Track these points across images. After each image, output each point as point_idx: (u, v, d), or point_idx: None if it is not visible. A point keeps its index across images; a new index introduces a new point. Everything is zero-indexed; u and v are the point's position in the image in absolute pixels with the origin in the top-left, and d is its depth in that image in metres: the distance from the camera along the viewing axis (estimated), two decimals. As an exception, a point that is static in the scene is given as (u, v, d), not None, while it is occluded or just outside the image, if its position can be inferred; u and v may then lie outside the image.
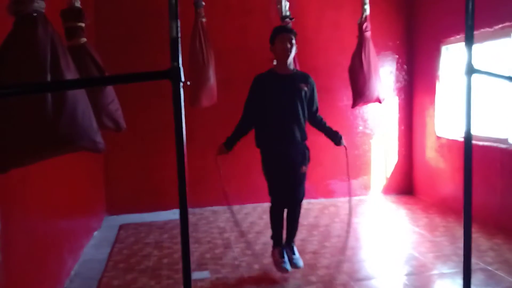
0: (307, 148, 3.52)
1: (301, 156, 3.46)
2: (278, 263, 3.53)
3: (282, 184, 3.46)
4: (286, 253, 3.56)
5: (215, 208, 5.65)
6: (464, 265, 1.31)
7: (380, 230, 4.77)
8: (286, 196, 3.49)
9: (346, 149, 3.60)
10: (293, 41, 3.34)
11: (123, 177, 5.46)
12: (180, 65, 1.17)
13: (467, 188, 1.27)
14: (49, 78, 1.82)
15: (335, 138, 3.57)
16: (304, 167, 3.47)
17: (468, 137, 1.30)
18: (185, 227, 1.23)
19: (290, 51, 3.33)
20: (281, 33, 3.35)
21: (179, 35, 1.19)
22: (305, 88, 3.42)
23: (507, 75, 1.57)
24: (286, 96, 3.38)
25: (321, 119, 3.61)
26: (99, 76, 2.62)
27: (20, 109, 1.79)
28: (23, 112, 1.80)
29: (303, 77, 3.46)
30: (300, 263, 3.56)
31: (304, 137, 3.47)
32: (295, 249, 3.62)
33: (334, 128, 3.61)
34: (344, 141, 3.57)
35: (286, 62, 3.37)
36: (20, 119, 1.80)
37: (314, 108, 3.55)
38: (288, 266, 3.50)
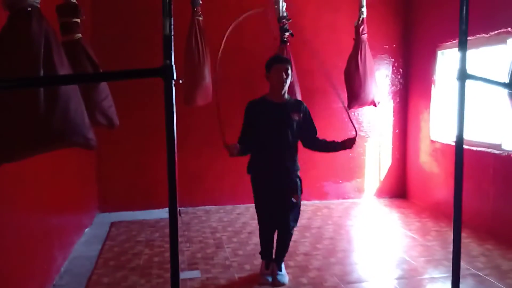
0: (299, 178, 3.47)
1: (291, 185, 3.41)
2: (262, 273, 3.57)
3: (267, 213, 3.46)
4: (272, 268, 3.54)
5: (208, 207, 5.64)
6: (453, 270, 1.31)
7: (372, 233, 4.78)
8: (273, 224, 3.49)
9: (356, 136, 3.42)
10: (289, 71, 3.31)
11: (115, 175, 5.44)
12: (173, 63, 1.17)
13: (458, 191, 1.28)
14: (42, 73, 1.81)
15: (346, 144, 3.38)
16: (295, 196, 3.42)
17: (460, 141, 1.30)
18: (174, 226, 1.22)
19: (286, 82, 3.31)
20: (277, 64, 3.32)
21: (172, 32, 1.18)
22: (297, 118, 3.37)
23: (500, 81, 1.58)
24: (276, 125, 3.36)
25: (323, 140, 3.47)
26: (91, 72, 2.60)
27: (12, 104, 1.77)
28: (15, 107, 1.78)
29: (295, 105, 3.43)
30: (284, 279, 3.49)
31: (294, 166, 3.43)
32: (283, 266, 3.58)
33: (329, 131, 3.60)
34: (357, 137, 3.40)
35: (281, 92, 3.35)
36: (12, 114, 1.79)
37: (312, 132, 3.48)
38: (270, 278, 3.50)
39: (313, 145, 3.52)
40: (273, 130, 3.36)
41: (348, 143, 3.38)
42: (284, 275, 3.53)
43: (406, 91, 6.13)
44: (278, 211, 3.43)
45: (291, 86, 3.91)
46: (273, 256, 3.59)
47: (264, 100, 3.44)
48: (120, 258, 3.99)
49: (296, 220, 3.50)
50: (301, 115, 3.42)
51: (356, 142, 3.40)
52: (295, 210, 3.47)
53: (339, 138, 3.52)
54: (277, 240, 3.56)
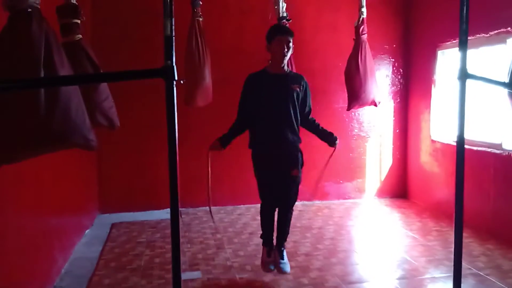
0: (300, 151, 3.45)
1: (292, 158, 3.39)
2: (264, 262, 3.53)
3: (270, 186, 3.42)
4: (274, 256, 3.52)
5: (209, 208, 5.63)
6: (454, 269, 1.31)
7: (373, 234, 4.77)
8: (275, 199, 3.45)
9: (334, 150, 3.57)
10: (291, 44, 3.30)
11: (116, 176, 5.44)
12: (174, 64, 1.17)
13: (459, 191, 1.28)
14: (42, 74, 1.81)
15: (330, 139, 3.52)
16: (295, 170, 3.39)
17: (461, 141, 1.30)
18: (176, 226, 1.22)
19: (287, 54, 3.30)
20: (280, 35, 3.29)
21: (173, 33, 1.19)
22: (297, 89, 3.36)
23: (500, 80, 1.58)
24: (277, 96, 3.34)
25: (314, 121, 3.55)
26: (92, 73, 2.60)
27: (13, 105, 1.77)
28: (16, 108, 1.78)
29: (296, 78, 3.42)
30: (287, 268, 3.48)
31: (296, 139, 3.40)
32: (284, 253, 3.55)
33: (329, 131, 3.57)
34: (338, 141, 3.52)
35: (281, 64, 3.34)
36: (13, 115, 1.79)
37: (307, 110, 3.49)
38: (272, 267, 3.49)
39: (304, 122, 3.49)
40: (274, 101, 3.33)
41: (333, 142, 3.51)
42: (287, 263, 3.50)
43: (406, 91, 6.12)
44: (279, 185, 3.39)
45: None
46: (274, 243, 3.56)
47: (264, 72, 3.42)
48: (121, 259, 3.99)
49: (296, 195, 3.46)
50: (301, 87, 3.40)
51: (337, 150, 3.56)
52: (296, 184, 3.42)
53: (338, 138, 3.54)
54: (278, 220, 3.52)
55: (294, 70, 3.92)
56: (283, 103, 3.33)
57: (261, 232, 3.61)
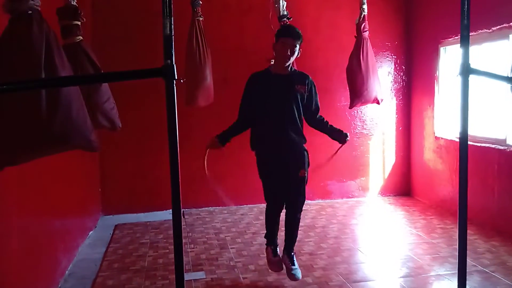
0: (306, 151, 3.37)
1: (298, 159, 3.32)
2: (271, 261, 3.46)
3: (275, 188, 3.36)
4: (284, 263, 3.43)
5: (212, 208, 5.64)
6: (459, 267, 1.29)
7: (377, 232, 4.76)
8: (281, 201, 3.39)
9: (342, 145, 3.48)
10: (296, 48, 3.19)
11: (119, 177, 5.44)
12: (173, 63, 1.16)
13: (463, 188, 1.26)
14: (43, 76, 1.81)
15: (340, 136, 3.43)
16: (302, 171, 3.31)
17: (464, 137, 1.29)
18: (178, 227, 1.21)
19: (289, 58, 3.21)
20: (285, 37, 3.21)
21: (173, 33, 1.18)
22: (302, 90, 3.29)
23: (504, 75, 1.56)
24: (280, 97, 3.27)
25: (323, 119, 3.46)
26: (92, 74, 2.60)
27: (15, 107, 1.78)
28: (18, 110, 1.79)
29: (300, 78, 3.33)
30: (299, 274, 3.36)
31: (301, 139, 3.34)
32: (295, 259, 3.44)
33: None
34: (348, 138, 3.43)
35: (283, 65, 3.27)
36: (15, 117, 1.79)
37: (314, 108, 3.40)
38: (281, 265, 3.42)
39: (312, 121, 3.43)
40: (277, 102, 3.25)
41: (344, 139, 3.41)
42: (298, 269, 3.40)
43: (409, 88, 6.10)
44: (286, 187, 3.33)
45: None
46: (283, 246, 3.47)
47: (268, 72, 3.35)
48: (125, 260, 3.99)
49: (304, 196, 3.39)
50: (306, 88, 3.32)
51: (343, 146, 3.48)
52: (303, 185, 3.35)
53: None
54: (285, 224, 3.44)
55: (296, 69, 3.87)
56: (286, 104, 3.26)
57: (264, 231, 3.56)
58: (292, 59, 3.25)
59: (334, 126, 3.50)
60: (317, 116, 3.45)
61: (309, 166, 3.41)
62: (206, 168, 3.34)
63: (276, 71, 3.32)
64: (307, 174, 3.38)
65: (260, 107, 3.30)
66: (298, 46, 3.21)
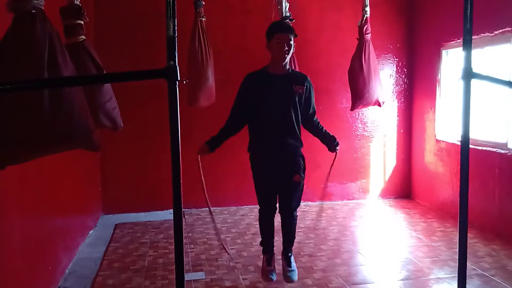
0: (302, 156, 3.27)
1: (292, 165, 3.22)
2: (264, 271, 3.40)
3: (267, 193, 3.30)
4: (282, 264, 3.42)
5: (212, 209, 5.63)
6: (459, 270, 1.30)
7: (377, 234, 4.75)
8: (273, 205, 3.33)
9: (336, 155, 3.43)
10: (291, 42, 3.08)
11: (119, 176, 5.44)
12: (176, 64, 1.17)
13: (463, 191, 1.26)
14: (46, 75, 1.82)
15: (331, 144, 3.36)
16: (297, 176, 3.21)
17: (465, 141, 1.29)
18: (179, 227, 1.22)
19: (288, 53, 3.09)
20: (279, 32, 3.08)
21: (176, 34, 1.18)
22: (300, 91, 3.17)
23: (505, 79, 1.56)
24: (278, 98, 3.14)
25: (318, 123, 3.37)
26: (95, 74, 2.61)
27: (17, 106, 1.78)
28: (20, 109, 1.79)
29: (299, 78, 3.21)
30: (295, 276, 3.33)
31: (297, 144, 3.22)
32: (292, 260, 3.41)
33: (333, 131, 3.47)
34: (338, 147, 3.37)
35: (282, 63, 3.14)
36: (17, 116, 1.79)
37: (310, 111, 3.30)
38: (274, 276, 3.35)
39: (307, 124, 3.33)
40: (273, 104, 3.13)
41: (333, 148, 3.37)
42: (295, 271, 3.36)
43: (410, 91, 6.10)
44: (280, 192, 3.26)
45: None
46: (281, 249, 3.47)
47: (264, 72, 3.22)
48: (125, 260, 3.99)
49: (298, 202, 3.32)
50: (305, 89, 3.19)
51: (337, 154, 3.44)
52: (298, 191, 3.26)
53: (342, 138, 3.50)
54: (282, 227, 3.39)
55: (297, 70, 3.86)
56: (283, 105, 3.14)
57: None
58: (290, 54, 3.14)
59: (336, 127, 3.50)
60: (313, 119, 3.36)
61: (305, 171, 3.31)
62: (202, 175, 3.36)
63: (274, 71, 3.20)
64: (303, 180, 3.29)
65: (255, 109, 3.19)
66: (293, 40, 3.12)
